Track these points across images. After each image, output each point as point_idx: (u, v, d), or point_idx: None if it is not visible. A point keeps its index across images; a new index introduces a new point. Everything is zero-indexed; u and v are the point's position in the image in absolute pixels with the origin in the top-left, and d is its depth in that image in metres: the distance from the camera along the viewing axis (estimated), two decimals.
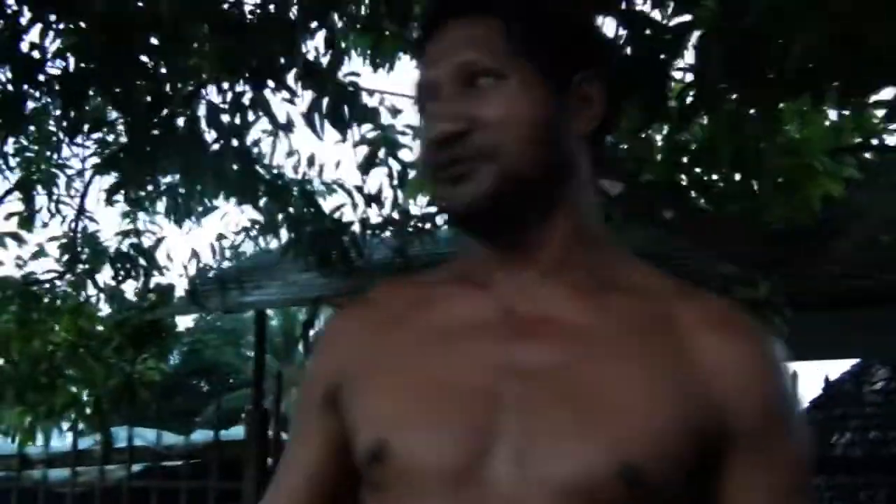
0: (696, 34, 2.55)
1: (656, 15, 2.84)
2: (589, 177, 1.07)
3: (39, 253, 5.87)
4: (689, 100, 2.68)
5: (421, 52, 1.08)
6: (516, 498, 0.93)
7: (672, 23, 2.62)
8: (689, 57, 2.77)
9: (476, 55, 1.01)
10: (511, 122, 1.00)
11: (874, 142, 4.32)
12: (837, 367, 8.92)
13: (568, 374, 0.96)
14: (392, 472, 0.98)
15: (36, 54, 3.62)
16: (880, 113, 3.62)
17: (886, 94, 2.58)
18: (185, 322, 21.38)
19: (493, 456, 0.94)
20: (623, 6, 2.59)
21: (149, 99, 3.78)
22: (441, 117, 1.01)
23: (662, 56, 2.61)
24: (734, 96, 2.45)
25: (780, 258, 2.42)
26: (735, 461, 0.96)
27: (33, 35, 3.55)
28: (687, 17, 2.62)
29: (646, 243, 4.75)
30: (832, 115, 4.07)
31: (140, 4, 3.45)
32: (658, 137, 3.67)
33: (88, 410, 5.88)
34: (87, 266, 5.60)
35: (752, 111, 2.45)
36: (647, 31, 2.62)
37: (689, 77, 2.83)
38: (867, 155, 4.38)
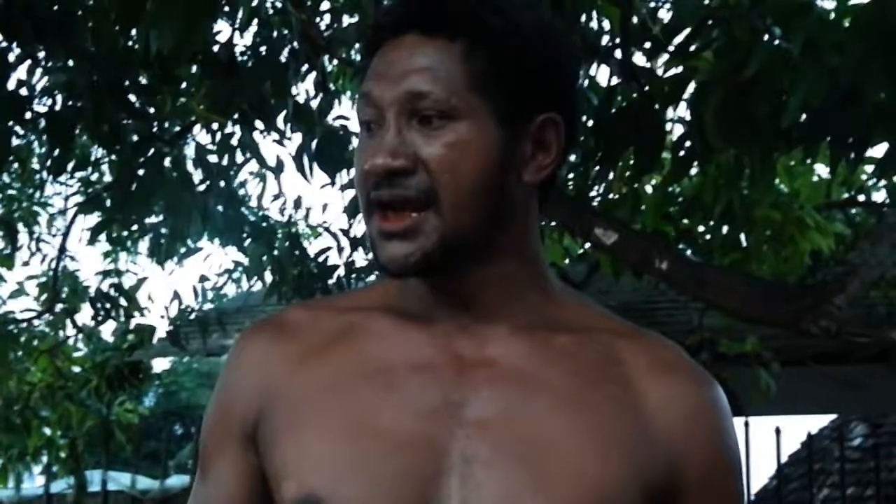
0: (691, 86, 2.56)
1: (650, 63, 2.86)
2: (534, 218, 1.00)
3: (18, 292, 5.80)
4: (682, 152, 2.68)
5: (369, 57, 0.97)
6: None
7: (668, 74, 2.64)
8: (682, 108, 2.79)
9: (429, 87, 0.91)
10: (458, 168, 0.91)
11: (861, 198, 4.35)
12: (817, 423, 8.92)
13: (517, 425, 0.92)
14: None
15: (24, 91, 3.59)
16: (868, 168, 3.63)
17: (877, 150, 2.59)
18: (161, 363, 21.17)
19: None
20: (619, 56, 2.60)
21: (136, 138, 3.75)
22: (382, 150, 0.91)
23: (657, 106, 2.62)
24: (730, 149, 2.45)
25: (777, 311, 2.41)
26: None
27: (21, 72, 3.52)
28: (680, 69, 2.64)
29: (634, 296, 4.74)
30: (819, 169, 4.10)
31: (130, 43, 3.43)
32: (648, 188, 3.68)
33: (63, 454, 5.77)
34: (66, 305, 5.53)
35: (747, 162, 2.45)
36: (643, 82, 2.63)
37: (681, 129, 2.84)
38: (853, 210, 4.40)
